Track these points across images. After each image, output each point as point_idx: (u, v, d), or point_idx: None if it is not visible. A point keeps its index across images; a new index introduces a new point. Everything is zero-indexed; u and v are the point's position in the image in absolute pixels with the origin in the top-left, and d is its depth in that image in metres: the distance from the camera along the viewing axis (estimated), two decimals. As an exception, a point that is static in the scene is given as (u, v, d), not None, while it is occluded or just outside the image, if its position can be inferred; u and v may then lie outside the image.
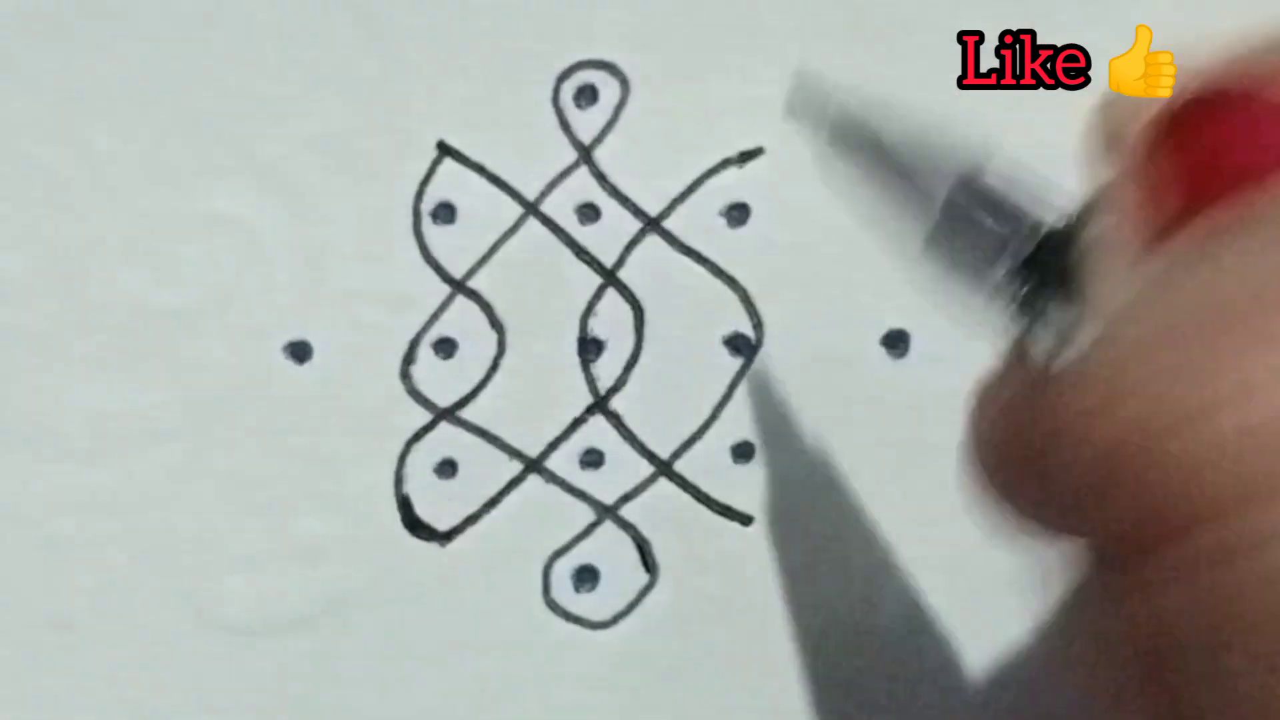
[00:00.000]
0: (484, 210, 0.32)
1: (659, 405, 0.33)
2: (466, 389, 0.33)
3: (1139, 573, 0.15)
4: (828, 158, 0.28)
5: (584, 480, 0.33)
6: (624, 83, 0.32)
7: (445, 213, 0.32)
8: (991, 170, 0.24)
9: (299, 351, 0.32)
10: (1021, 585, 0.29)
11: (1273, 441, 0.14)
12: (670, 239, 0.33)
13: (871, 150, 0.25)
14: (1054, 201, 0.20)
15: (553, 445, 0.33)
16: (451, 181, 0.32)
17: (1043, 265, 0.21)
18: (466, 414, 0.33)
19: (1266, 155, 0.17)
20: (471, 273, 0.33)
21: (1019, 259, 0.21)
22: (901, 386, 0.32)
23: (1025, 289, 0.21)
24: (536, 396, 0.33)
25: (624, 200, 0.33)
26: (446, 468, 0.33)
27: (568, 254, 0.33)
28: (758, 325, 0.33)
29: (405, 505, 0.33)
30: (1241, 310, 0.15)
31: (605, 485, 0.33)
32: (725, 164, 0.33)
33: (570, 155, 0.33)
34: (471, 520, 0.33)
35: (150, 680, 0.32)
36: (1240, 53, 0.19)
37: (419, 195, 0.32)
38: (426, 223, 0.32)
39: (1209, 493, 0.14)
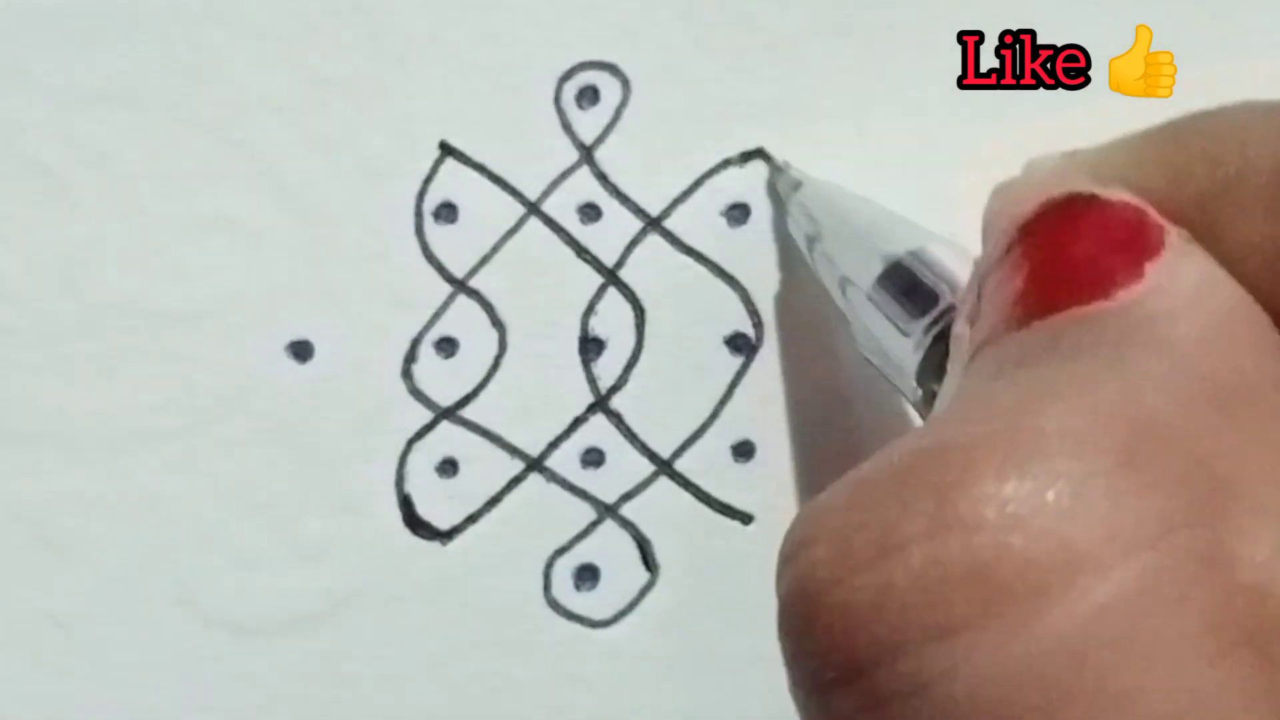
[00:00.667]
0: (486, 210, 0.33)
1: (660, 404, 0.33)
2: (468, 388, 0.33)
3: (832, 705, 0.15)
4: (791, 224, 0.28)
5: (585, 479, 0.33)
6: (625, 83, 0.32)
7: (447, 212, 0.32)
8: (930, 251, 0.24)
9: (300, 351, 0.32)
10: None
11: (942, 583, 0.14)
12: (671, 239, 0.33)
13: (829, 222, 0.26)
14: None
15: (554, 444, 0.33)
16: (453, 181, 0.32)
17: (940, 357, 0.21)
18: (468, 413, 0.33)
19: (1101, 271, 0.17)
20: (473, 272, 0.33)
21: (923, 349, 0.21)
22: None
23: (927, 382, 0.22)
24: (537, 396, 0.33)
25: (625, 200, 0.33)
26: (447, 467, 0.33)
27: (569, 253, 0.33)
28: (758, 325, 0.33)
29: (406, 504, 0.33)
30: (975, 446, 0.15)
31: (606, 484, 0.33)
32: (726, 164, 0.33)
33: (572, 155, 0.33)
34: (472, 519, 0.33)
35: (150, 680, 0.32)
36: (1101, 158, 0.19)
37: (421, 195, 0.32)
38: (428, 222, 0.32)
39: (890, 630, 0.14)
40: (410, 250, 0.32)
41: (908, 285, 0.24)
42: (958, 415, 0.16)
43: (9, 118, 0.32)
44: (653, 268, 0.33)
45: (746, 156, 0.33)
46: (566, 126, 0.32)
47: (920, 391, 0.22)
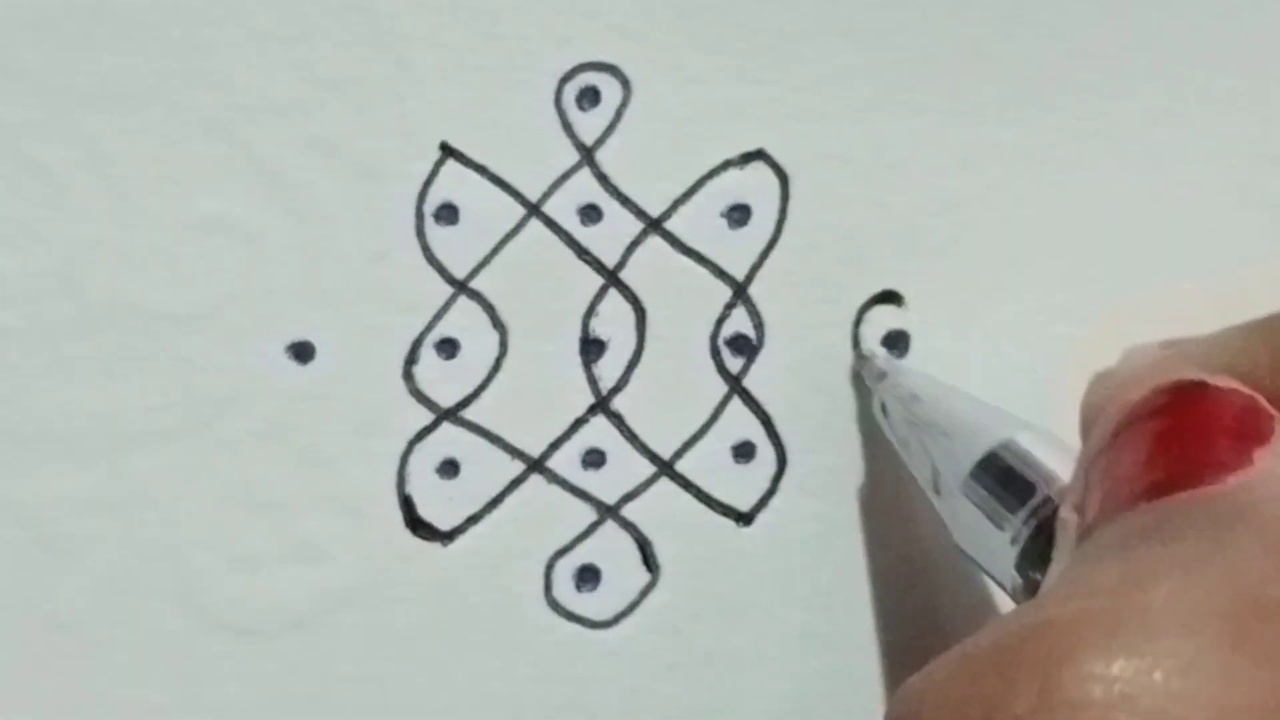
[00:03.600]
0: (486, 211, 0.33)
1: (660, 405, 0.33)
2: (469, 389, 0.33)
3: None
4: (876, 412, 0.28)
5: (585, 480, 0.33)
6: (626, 84, 0.32)
7: (448, 214, 0.32)
8: (1021, 442, 0.24)
9: (301, 352, 0.32)
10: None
11: None
12: (672, 240, 0.33)
13: (915, 414, 0.26)
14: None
15: (554, 445, 0.33)
16: (454, 182, 0.32)
17: (1040, 548, 0.21)
18: (469, 414, 0.33)
19: (1213, 458, 0.17)
20: (474, 273, 0.33)
21: (1021, 541, 0.22)
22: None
23: (1026, 571, 0.22)
24: (538, 397, 0.33)
25: (626, 201, 0.33)
26: (448, 468, 0.33)
27: (570, 255, 0.33)
28: (758, 325, 0.33)
29: (407, 505, 0.33)
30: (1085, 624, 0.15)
31: (607, 485, 0.33)
32: (726, 165, 0.33)
33: (572, 156, 0.33)
34: (473, 520, 0.33)
35: (150, 680, 0.32)
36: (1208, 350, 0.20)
37: (421, 196, 0.32)
38: (429, 223, 0.32)
39: None
40: (411, 251, 0.32)
41: (1003, 477, 0.24)
42: (1062, 593, 0.16)
43: (9, 118, 0.32)
44: (653, 269, 0.33)
45: (747, 157, 0.33)
46: (567, 128, 0.32)
47: (1020, 581, 0.22)
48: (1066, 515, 0.19)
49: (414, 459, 0.33)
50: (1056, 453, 0.23)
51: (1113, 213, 0.33)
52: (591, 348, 0.33)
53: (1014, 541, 0.22)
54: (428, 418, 0.33)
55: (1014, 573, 0.22)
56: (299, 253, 0.32)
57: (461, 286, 0.33)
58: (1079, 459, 0.19)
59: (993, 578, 0.24)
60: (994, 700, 0.14)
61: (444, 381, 0.33)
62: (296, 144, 0.32)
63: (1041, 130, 0.33)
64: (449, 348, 0.33)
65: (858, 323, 0.33)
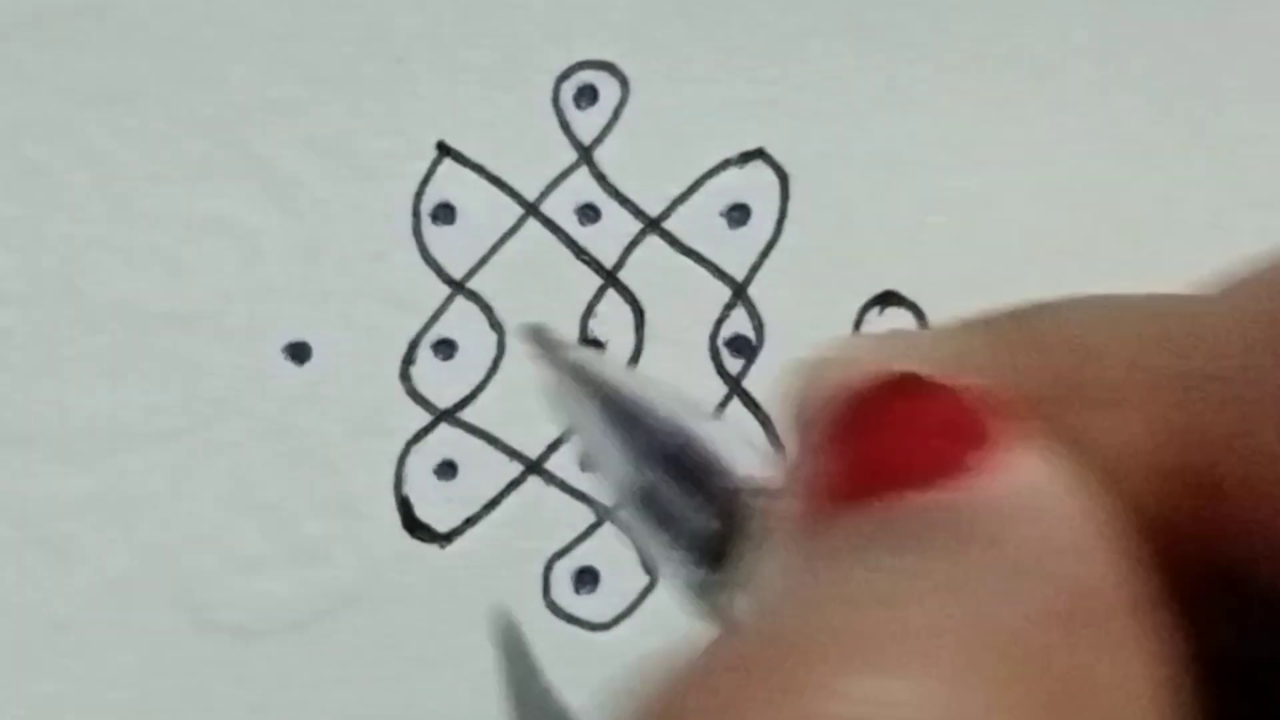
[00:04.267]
0: (484, 211, 0.32)
1: (659, 406, 0.33)
2: (466, 390, 0.33)
3: None
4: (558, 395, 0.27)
5: (584, 481, 0.33)
6: (624, 83, 0.32)
7: (445, 213, 0.32)
8: (703, 434, 0.23)
9: (299, 352, 0.32)
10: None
11: None
12: (670, 240, 0.33)
13: (599, 399, 0.25)
14: (758, 468, 0.19)
15: (553, 446, 0.33)
16: (451, 182, 0.32)
17: (721, 548, 0.20)
18: (466, 415, 0.33)
19: (929, 455, 0.16)
20: (471, 274, 0.33)
21: (700, 538, 0.20)
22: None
23: (706, 572, 0.21)
24: (537, 398, 0.33)
25: (624, 201, 0.33)
26: (446, 469, 0.33)
27: (568, 255, 0.33)
28: (757, 326, 0.33)
29: (405, 506, 0.33)
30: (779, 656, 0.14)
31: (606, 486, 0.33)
32: (726, 164, 0.33)
33: (570, 156, 0.33)
34: (471, 522, 0.33)
35: (149, 682, 0.32)
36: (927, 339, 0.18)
37: (419, 196, 0.32)
38: (426, 223, 0.32)
39: None
40: (408, 251, 0.32)
41: (688, 468, 0.23)
42: (794, 603, 0.15)
43: (9, 118, 0.32)
44: (652, 269, 0.33)
45: (746, 156, 0.33)
46: (565, 127, 0.32)
47: (697, 577, 0.21)
48: (772, 512, 0.17)
49: (412, 460, 0.32)
50: (747, 448, 0.22)
51: (1113, 213, 0.33)
52: (590, 348, 0.33)
53: (693, 537, 0.21)
54: (425, 418, 0.33)
55: (691, 567, 0.21)
56: (296, 253, 0.32)
57: (459, 286, 0.32)
58: (791, 452, 0.18)
59: (667, 573, 0.24)
60: (728, 716, 0.14)
61: (442, 382, 0.33)
62: (294, 144, 0.32)
63: (1041, 129, 0.33)
64: (447, 348, 0.33)
65: (858, 323, 0.33)
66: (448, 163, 0.32)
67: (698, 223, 0.33)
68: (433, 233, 0.32)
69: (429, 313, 0.32)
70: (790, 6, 0.32)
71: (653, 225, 0.33)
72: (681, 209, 0.33)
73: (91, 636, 0.32)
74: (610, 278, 0.33)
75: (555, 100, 0.32)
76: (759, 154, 0.33)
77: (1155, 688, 0.15)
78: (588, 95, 0.32)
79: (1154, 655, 0.15)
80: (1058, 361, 0.17)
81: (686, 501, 0.21)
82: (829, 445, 0.16)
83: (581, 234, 0.33)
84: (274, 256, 0.32)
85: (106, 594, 0.32)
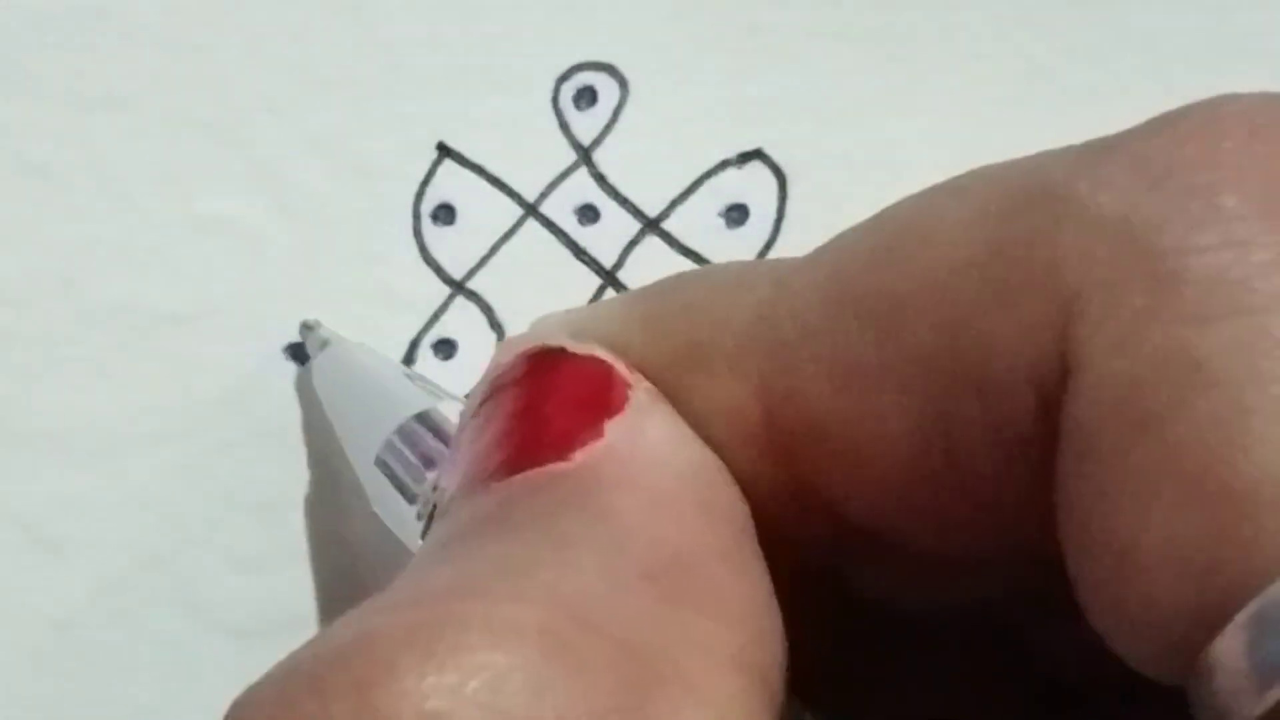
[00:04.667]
0: (484, 211, 0.32)
1: (659, 406, 0.33)
2: (467, 390, 0.33)
3: None
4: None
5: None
6: (623, 84, 0.32)
7: (445, 214, 0.32)
8: (442, 411, 0.23)
9: (298, 353, 0.32)
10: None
11: None
12: (670, 240, 0.33)
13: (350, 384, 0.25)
14: None
15: (552, 446, 0.33)
16: (451, 182, 0.32)
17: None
18: (466, 415, 0.33)
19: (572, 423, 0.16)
20: (471, 274, 0.33)
21: (424, 518, 0.20)
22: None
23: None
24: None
25: (623, 201, 0.33)
26: (446, 469, 0.33)
27: (567, 255, 0.33)
28: (757, 326, 0.33)
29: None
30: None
31: (605, 486, 0.33)
32: (724, 164, 0.33)
33: (570, 156, 0.33)
34: (471, 521, 0.33)
35: (149, 682, 0.32)
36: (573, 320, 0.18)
37: (418, 196, 0.32)
38: (426, 224, 0.32)
39: None
40: (408, 252, 0.32)
41: (415, 449, 0.23)
42: (390, 599, 0.15)
43: (8, 118, 0.32)
44: (651, 269, 0.33)
45: (745, 157, 0.33)
46: (564, 127, 0.32)
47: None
48: (428, 493, 0.18)
49: (412, 460, 0.32)
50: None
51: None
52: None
53: (419, 517, 0.21)
54: (425, 418, 0.33)
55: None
56: (296, 253, 0.32)
57: (459, 287, 0.32)
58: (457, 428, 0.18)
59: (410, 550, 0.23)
60: None
61: (442, 382, 0.33)
62: (294, 144, 0.32)
63: (1041, 129, 0.33)
64: (446, 348, 0.33)
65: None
66: (448, 163, 0.32)
67: (697, 223, 0.33)
68: (433, 233, 0.32)
69: (429, 313, 0.32)
70: (790, 6, 0.32)
71: (652, 225, 0.33)
72: (681, 209, 0.33)
73: (91, 637, 0.32)
74: (610, 278, 0.33)
75: (555, 101, 0.32)
76: (758, 154, 0.33)
77: (754, 641, 0.15)
78: (587, 96, 0.32)
79: (754, 609, 0.15)
80: (686, 332, 0.17)
81: (416, 470, 0.21)
82: (484, 418, 0.17)
83: (581, 234, 0.33)
84: (273, 257, 0.32)
85: (105, 595, 0.32)
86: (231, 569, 0.32)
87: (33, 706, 0.32)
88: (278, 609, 0.32)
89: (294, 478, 0.32)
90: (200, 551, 0.32)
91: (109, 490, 0.32)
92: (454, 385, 0.33)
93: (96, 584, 0.32)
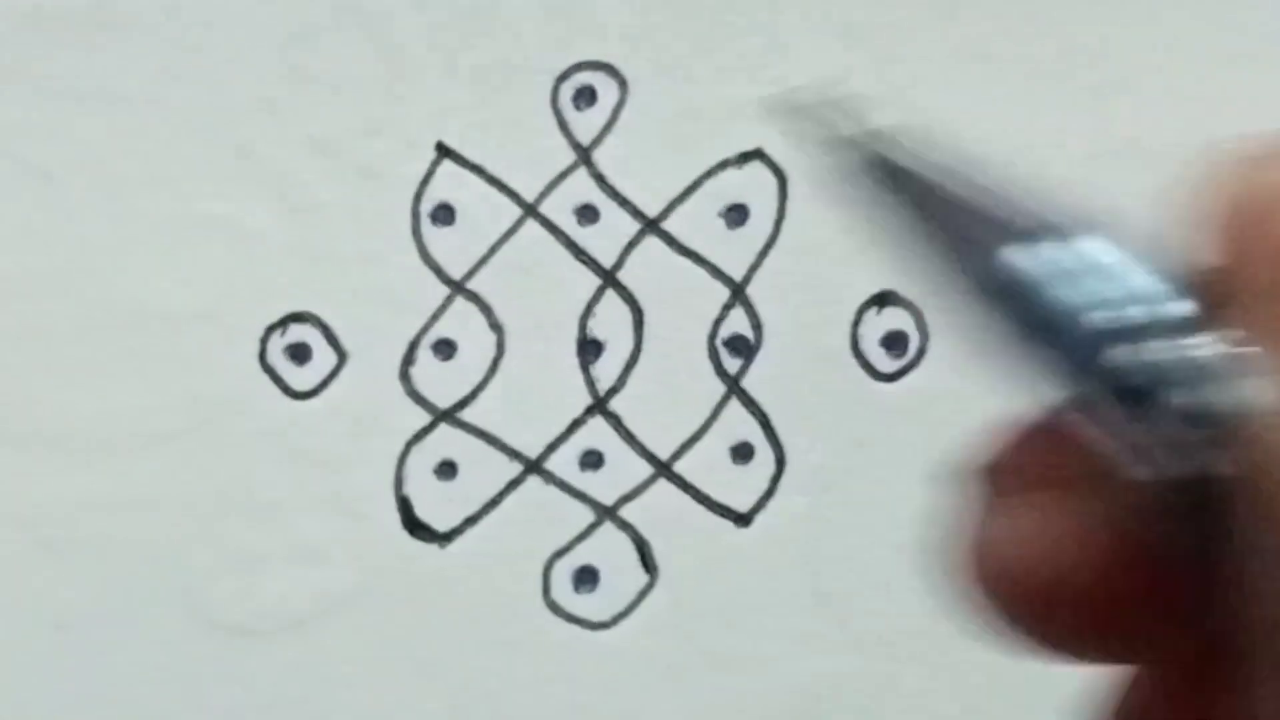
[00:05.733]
0: (483, 211, 0.32)
1: (658, 406, 0.33)
2: (466, 390, 0.33)
3: None
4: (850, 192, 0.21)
5: (583, 481, 0.33)
6: (622, 84, 0.32)
7: (444, 214, 0.32)
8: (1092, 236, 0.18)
9: (298, 353, 0.32)
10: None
11: None
12: (669, 240, 0.33)
13: (921, 199, 0.19)
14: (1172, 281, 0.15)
15: (552, 446, 0.33)
16: (451, 183, 0.32)
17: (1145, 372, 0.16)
18: (466, 415, 0.33)
19: None
20: (471, 274, 0.33)
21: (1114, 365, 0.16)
22: (900, 386, 0.33)
23: (1116, 391, 0.17)
24: (536, 398, 0.33)
25: (623, 201, 0.33)
26: (446, 469, 0.33)
27: (567, 255, 0.33)
28: (757, 325, 0.33)
29: (405, 506, 0.33)
30: None
31: (605, 486, 0.33)
32: (724, 165, 0.33)
33: (569, 156, 0.32)
34: (471, 521, 0.33)
35: (149, 681, 0.32)
36: None
37: (418, 197, 0.32)
38: (426, 224, 0.32)
39: None
40: (408, 252, 0.32)
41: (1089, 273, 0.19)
42: None
43: (9, 119, 0.32)
44: (651, 269, 0.33)
45: (745, 157, 0.33)
46: (564, 127, 0.32)
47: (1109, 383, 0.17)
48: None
49: (411, 460, 0.33)
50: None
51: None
52: (589, 348, 0.33)
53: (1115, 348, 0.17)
54: (425, 419, 0.33)
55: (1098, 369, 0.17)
56: (296, 254, 0.32)
57: (458, 287, 0.32)
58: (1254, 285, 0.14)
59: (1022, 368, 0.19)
60: None
61: (441, 382, 0.33)
62: (294, 144, 0.32)
63: (1041, 129, 0.33)
64: (446, 348, 0.33)
65: (856, 323, 0.33)
66: (447, 163, 0.32)
67: (696, 223, 0.33)
68: (432, 233, 0.32)
69: (429, 313, 0.32)
70: (790, 6, 0.32)
71: (651, 225, 0.33)
72: (680, 209, 0.33)
73: (92, 636, 0.32)
74: (609, 278, 0.33)
75: (554, 101, 0.32)
76: (757, 154, 0.33)
77: None
78: (586, 96, 0.32)
79: None
80: None
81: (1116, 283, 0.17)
82: None
83: (580, 234, 0.33)
84: (274, 257, 0.32)
85: (107, 594, 0.32)
86: (231, 570, 0.32)
87: (33, 706, 0.32)
88: (277, 610, 0.33)
89: (292, 480, 0.32)
90: (200, 553, 0.32)
91: (109, 491, 0.32)
92: (453, 385, 0.33)
93: (97, 585, 0.32)
